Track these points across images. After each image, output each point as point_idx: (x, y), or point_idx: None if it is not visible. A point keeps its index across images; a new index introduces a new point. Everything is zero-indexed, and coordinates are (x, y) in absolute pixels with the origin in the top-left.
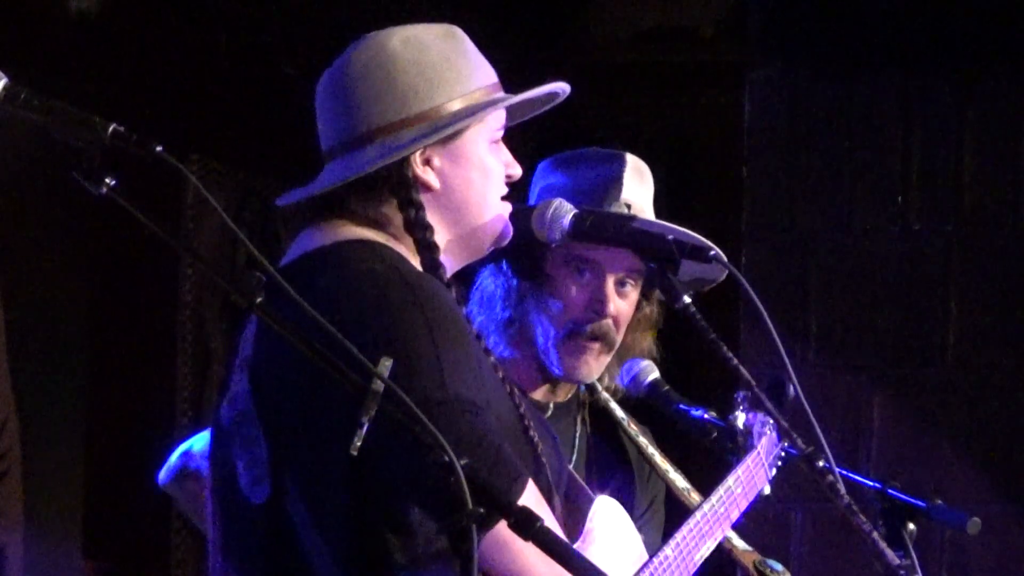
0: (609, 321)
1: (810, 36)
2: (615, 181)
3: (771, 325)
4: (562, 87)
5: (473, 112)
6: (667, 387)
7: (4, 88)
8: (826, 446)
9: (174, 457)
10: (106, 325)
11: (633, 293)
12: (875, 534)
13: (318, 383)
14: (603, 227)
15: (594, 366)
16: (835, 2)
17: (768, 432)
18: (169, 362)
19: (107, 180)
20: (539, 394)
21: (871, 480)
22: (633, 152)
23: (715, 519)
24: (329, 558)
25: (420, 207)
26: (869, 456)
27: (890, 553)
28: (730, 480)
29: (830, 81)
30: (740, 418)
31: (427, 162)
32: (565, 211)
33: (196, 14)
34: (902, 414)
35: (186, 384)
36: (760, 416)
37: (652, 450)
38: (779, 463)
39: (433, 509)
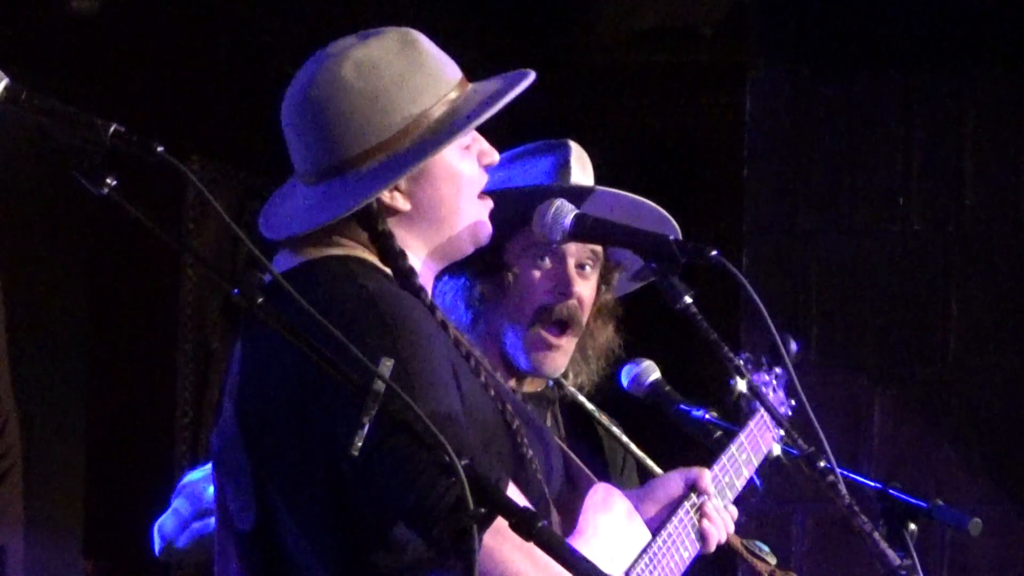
0: (575, 302)
1: (810, 36)
2: (563, 167)
3: (771, 325)
4: (526, 79)
5: (433, 145)
6: (668, 387)
7: (5, 88)
8: (827, 446)
9: (156, 535)
10: (106, 325)
11: (593, 276)
12: (876, 534)
13: (304, 399)
14: (604, 227)
15: (560, 361)
16: (835, 2)
17: (772, 392)
18: (169, 362)
19: (108, 180)
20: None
21: (872, 480)
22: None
23: (719, 489)
24: None
25: (389, 236)
26: (870, 456)
27: (891, 553)
28: (733, 448)
29: (830, 81)
30: (741, 382)
31: (394, 187)
32: (567, 212)
33: (196, 14)
34: (902, 414)
35: (186, 384)
36: (762, 377)
37: (627, 439)
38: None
39: (421, 522)
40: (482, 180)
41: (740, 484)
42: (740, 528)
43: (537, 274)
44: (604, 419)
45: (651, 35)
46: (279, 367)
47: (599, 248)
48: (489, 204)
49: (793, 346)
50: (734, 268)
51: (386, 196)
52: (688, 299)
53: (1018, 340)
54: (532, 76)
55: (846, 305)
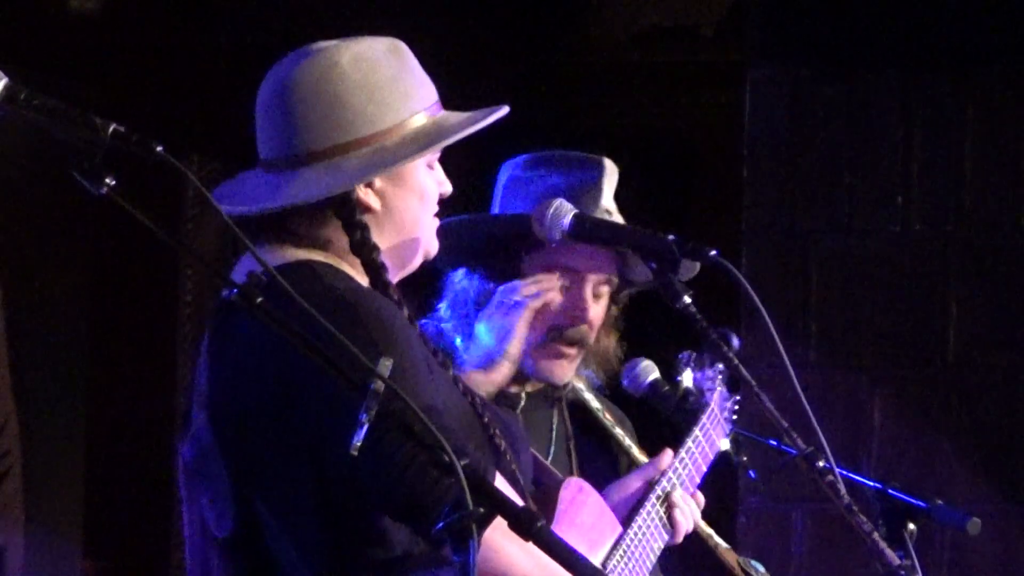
0: (587, 327)
1: (810, 36)
2: (595, 187)
3: (771, 325)
4: (502, 110)
5: (421, 148)
6: (667, 387)
7: (4, 88)
8: (826, 446)
9: None
10: (106, 325)
11: (605, 298)
12: (875, 534)
13: (288, 400)
14: (603, 228)
15: (569, 369)
16: (835, 2)
17: (718, 387)
18: (169, 362)
19: (107, 180)
20: (510, 386)
21: (871, 480)
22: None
23: (679, 483)
24: None
25: (365, 228)
26: (869, 456)
27: (890, 553)
28: (689, 442)
29: (830, 81)
30: (688, 377)
31: (369, 184)
32: (566, 211)
33: (196, 14)
34: (902, 414)
35: (186, 384)
36: (708, 371)
37: (629, 442)
38: (735, 416)
39: (419, 520)
40: (436, 207)
41: (699, 477)
42: (740, 529)
43: (554, 294)
44: (609, 417)
45: (651, 35)
46: (257, 370)
47: (615, 276)
48: (436, 224)
49: (735, 342)
50: (733, 268)
51: (361, 190)
52: (687, 299)
53: (1017, 340)
54: (506, 109)
55: (846, 305)
